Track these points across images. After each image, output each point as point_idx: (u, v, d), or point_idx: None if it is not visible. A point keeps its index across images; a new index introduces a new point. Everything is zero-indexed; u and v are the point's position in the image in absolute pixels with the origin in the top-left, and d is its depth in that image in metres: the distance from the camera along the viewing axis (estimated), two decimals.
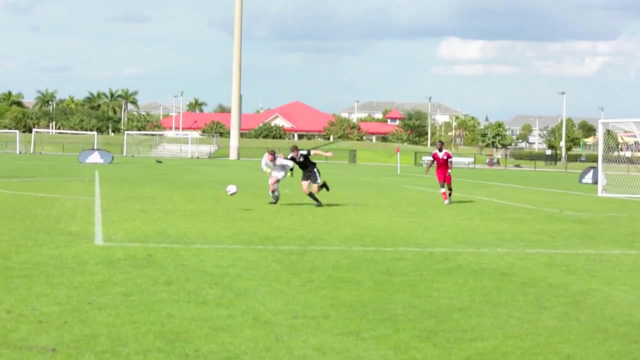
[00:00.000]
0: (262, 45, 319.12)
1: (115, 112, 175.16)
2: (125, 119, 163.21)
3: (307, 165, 23.10)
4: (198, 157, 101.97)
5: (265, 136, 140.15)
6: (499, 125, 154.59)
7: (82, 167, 52.08)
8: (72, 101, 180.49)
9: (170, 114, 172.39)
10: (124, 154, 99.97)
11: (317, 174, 23.00)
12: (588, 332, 8.22)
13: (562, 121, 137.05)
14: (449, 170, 26.88)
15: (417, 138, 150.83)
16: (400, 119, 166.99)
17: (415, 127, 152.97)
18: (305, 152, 23.25)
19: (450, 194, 26.38)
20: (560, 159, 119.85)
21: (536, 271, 12.17)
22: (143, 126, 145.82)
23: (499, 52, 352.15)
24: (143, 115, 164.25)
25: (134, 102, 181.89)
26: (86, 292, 9.43)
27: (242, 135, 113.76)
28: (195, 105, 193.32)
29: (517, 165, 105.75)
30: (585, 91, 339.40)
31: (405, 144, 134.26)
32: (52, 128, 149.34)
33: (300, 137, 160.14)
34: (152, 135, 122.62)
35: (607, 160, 38.27)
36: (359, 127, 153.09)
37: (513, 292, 10.28)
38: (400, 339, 7.66)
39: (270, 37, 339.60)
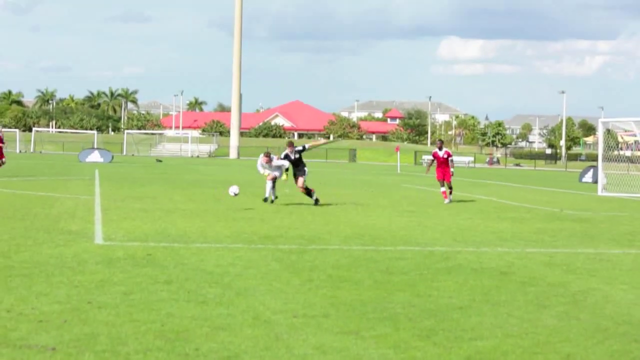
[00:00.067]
0: (262, 45, 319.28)
1: (115, 111, 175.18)
2: (125, 118, 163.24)
3: (299, 163, 23.20)
4: (198, 156, 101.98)
5: (265, 135, 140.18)
6: (499, 124, 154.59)
7: (82, 166, 52.08)
8: (72, 100, 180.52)
9: (170, 113, 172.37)
10: (124, 153, 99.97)
11: (306, 170, 23.27)
12: (588, 331, 8.23)
13: (562, 120, 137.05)
14: (452, 170, 26.88)
15: (417, 137, 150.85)
16: (400, 118, 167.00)
17: (415, 127, 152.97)
18: (300, 148, 23.37)
19: (450, 193, 26.36)
20: (560, 158, 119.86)
21: (536, 270, 12.18)
22: (143, 125, 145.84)
23: (499, 52, 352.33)
24: (143, 114, 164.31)
25: (134, 101, 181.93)
26: (86, 291, 9.43)
27: (242, 134, 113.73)
28: (195, 105, 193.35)
29: (517, 165, 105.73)
30: (585, 90, 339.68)
31: (405, 143, 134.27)
32: (52, 127, 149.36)
33: (300, 136, 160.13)
34: (152, 134, 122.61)
35: (607, 159, 38.29)
36: (359, 126, 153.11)
37: (513, 291, 10.28)
38: (400, 338, 7.66)
39: (270, 36, 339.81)
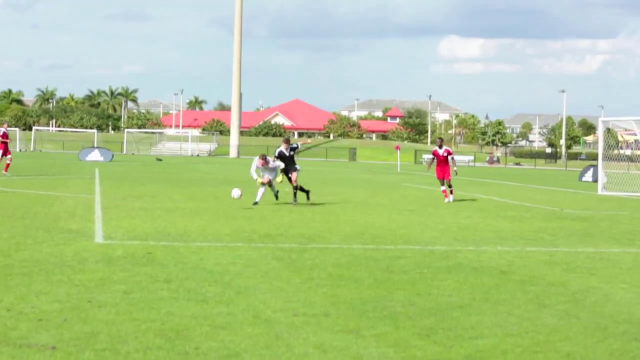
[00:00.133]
0: (262, 44, 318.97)
1: (115, 110, 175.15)
2: (126, 116, 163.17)
3: (292, 161, 23.26)
4: (198, 155, 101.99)
5: (266, 134, 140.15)
6: (499, 123, 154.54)
7: (82, 165, 52.08)
8: (72, 99, 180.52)
9: (171, 111, 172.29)
10: (124, 151, 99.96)
11: (297, 167, 23.46)
12: (588, 330, 8.23)
13: (562, 119, 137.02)
14: (454, 168, 26.90)
15: (417, 136, 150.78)
16: (400, 117, 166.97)
17: (415, 125, 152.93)
18: (295, 146, 23.50)
19: (451, 192, 26.32)
20: (560, 157, 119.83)
21: (536, 269, 12.18)
22: (143, 124, 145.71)
23: (499, 50, 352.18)
24: (143, 113, 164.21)
25: (134, 100, 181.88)
26: (86, 290, 9.44)
27: (242, 133, 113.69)
28: (196, 103, 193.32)
29: (517, 164, 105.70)
30: (585, 89, 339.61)
31: (405, 142, 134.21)
32: (52, 126, 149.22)
33: (300, 135, 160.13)
34: (152, 133, 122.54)
35: (607, 158, 38.28)
36: (359, 125, 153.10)
37: (513, 290, 10.28)
38: (400, 337, 7.66)
39: (270, 35, 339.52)
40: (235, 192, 20.93)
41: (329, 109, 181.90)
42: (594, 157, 77.70)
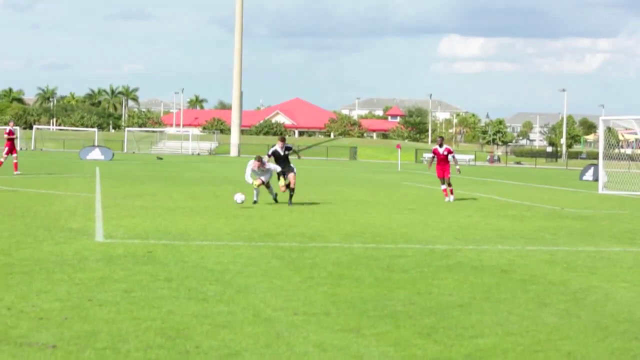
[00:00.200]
0: (262, 43, 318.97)
1: (115, 108, 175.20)
2: (126, 115, 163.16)
3: (287, 161, 22.89)
4: (199, 154, 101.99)
5: (266, 133, 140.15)
6: (500, 122, 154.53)
7: (82, 164, 52.10)
8: (73, 98, 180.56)
9: (171, 110, 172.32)
10: (125, 150, 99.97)
11: (293, 167, 22.98)
12: (588, 329, 8.23)
13: (562, 118, 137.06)
14: (457, 166, 26.90)
15: (417, 135, 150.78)
16: (401, 116, 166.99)
17: (416, 124, 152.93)
18: (290, 146, 23.26)
19: (451, 191, 26.30)
20: (560, 156, 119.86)
21: (536, 268, 12.18)
22: (144, 123, 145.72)
23: (499, 49, 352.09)
24: (144, 112, 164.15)
25: (135, 99, 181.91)
26: (87, 289, 9.44)
27: (242, 132, 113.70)
28: (196, 102, 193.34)
29: (518, 163, 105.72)
30: (585, 88, 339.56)
31: (406, 141, 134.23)
32: (53, 125, 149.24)
33: (300, 133, 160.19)
34: (153, 132, 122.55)
35: (608, 157, 38.27)
36: (360, 124, 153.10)
37: (513, 289, 10.28)
38: (400, 336, 7.66)
39: (271, 34, 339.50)
40: (239, 197, 20.85)
41: (330, 108, 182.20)
42: (595, 156, 77.67)
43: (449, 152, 26.71)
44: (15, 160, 34.61)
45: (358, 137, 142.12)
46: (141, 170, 45.02)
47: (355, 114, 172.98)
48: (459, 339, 7.63)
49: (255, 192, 22.13)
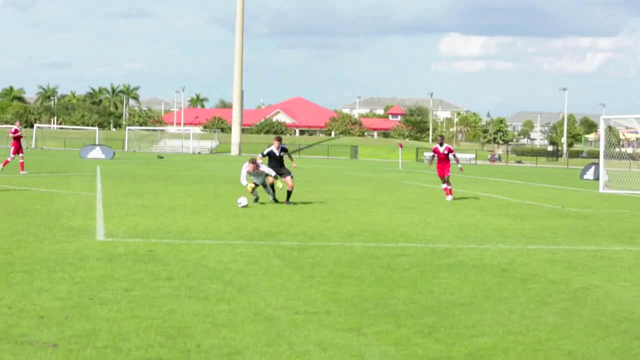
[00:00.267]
0: (263, 42, 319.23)
1: (116, 107, 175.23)
2: (127, 114, 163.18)
3: (281, 162, 22.78)
4: (199, 153, 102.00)
5: (267, 132, 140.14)
6: (501, 121, 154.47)
7: (83, 163, 52.10)
8: (74, 96, 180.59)
9: (172, 109, 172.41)
10: (126, 149, 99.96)
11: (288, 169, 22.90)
12: (589, 328, 8.23)
13: (563, 117, 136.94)
14: (459, 165, 26.88)
15: (418, 134, 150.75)
16: (401, 114, 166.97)
17: (416, 123, 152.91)
18: (285, 147, 23.16)
19: (450, 191, 26.28)
20: (561, 155, 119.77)
21: (537, 267, 12.18)
22: (144, 121, 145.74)
23: (500, 48, 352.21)
24: (144, 110, 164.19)
25: (136, 98, 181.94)
26: (87, 288, 9.44)
27: (243, 130, 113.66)
28: (197, 101, 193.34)
29: (519, 162, 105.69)
30: (586, 87, 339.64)
31: (407, 139, 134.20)
32: (54, 123, 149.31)
33: (301, 132, 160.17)
34: (154, 130, 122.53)
35: (609, 156, 38.25)
36: (361, 123, 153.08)
37: (514, 288, 10.28)
38: (401, 335, 7.66)
39: (272, 33, 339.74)
40: (242, 201, 20.81)
41: (331, 107, 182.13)
42: (596, 155, 77.65)
43: (450, 151, 26.69)
44: (21, 160, 34.62)
45: (359, 136, 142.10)
46: (142, 169, 45.02)
47: (356, 113, 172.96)
48: (459, 338, 7.63)
49: (253, 193, 22.13)
